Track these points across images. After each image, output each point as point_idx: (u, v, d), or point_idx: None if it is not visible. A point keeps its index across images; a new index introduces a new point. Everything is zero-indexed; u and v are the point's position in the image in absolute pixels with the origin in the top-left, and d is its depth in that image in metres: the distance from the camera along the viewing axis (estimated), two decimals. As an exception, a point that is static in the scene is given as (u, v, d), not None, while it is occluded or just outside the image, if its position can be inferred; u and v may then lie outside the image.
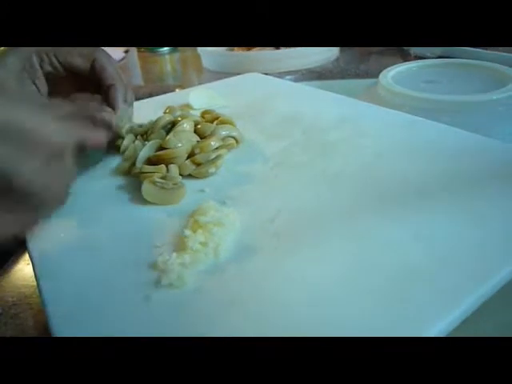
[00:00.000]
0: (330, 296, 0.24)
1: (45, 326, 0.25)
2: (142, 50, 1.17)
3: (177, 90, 0.73)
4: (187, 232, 0.29)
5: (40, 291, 0.27)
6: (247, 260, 0.28)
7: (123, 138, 0.41)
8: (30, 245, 0.31)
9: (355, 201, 0.32)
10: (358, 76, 0.80)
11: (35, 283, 0.28)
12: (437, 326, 0.21)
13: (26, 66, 0.38)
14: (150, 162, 0.38)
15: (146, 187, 0.34)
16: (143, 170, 0.37)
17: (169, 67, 1.09)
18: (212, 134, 0.41)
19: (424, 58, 0.73)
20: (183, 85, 0.83)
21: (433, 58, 0.77)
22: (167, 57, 1.13)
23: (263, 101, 0.54)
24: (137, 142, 0.41)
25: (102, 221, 0.33)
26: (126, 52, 1.15)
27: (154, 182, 0.34)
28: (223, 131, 0.42)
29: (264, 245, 0.29)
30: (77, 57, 0.40)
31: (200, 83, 0.71)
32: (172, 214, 0.33)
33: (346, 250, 0.27)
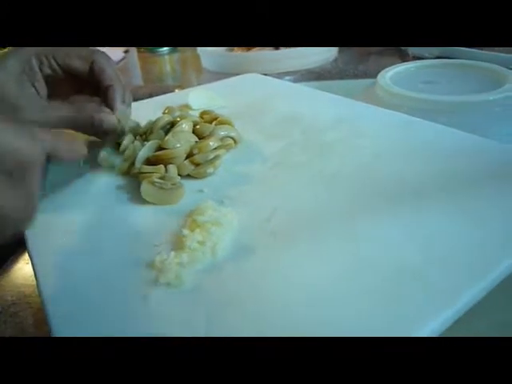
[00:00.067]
0: (327, 296, 0.24)
1: (44, 325, 0.26)
2: (142, 50, 1.17)
3: (176, 90, 0.73)
4: (185, 231, 0.29)
5: (39, 290, 0.27)
6: (245, 259, 0.28)
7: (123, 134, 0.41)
8: (30, 244, 0.32)
9: (352, 201, 0.32)
10: (356, 76, 0.80)
11: (35, 282, 0.28)
12: (429, 326, 0.22)
13: (25, 69, 0.38)
14: (149, 162, 0.38)
15: (145, 187, 0.35)
16: (142, 170, 0.37)
17: (168, 67, 1.09)
18: (211, 135, 0.41)
19: (422, 59, 0.73)
20: (183, 85, 0.83)
21: (431, 58, 0.77)
22: (167, 57, 1.13)
23: (262, 101, 0.54)
24: (136, 142, 0.41)
25: (101, 220, 0.34)
26: (126, 52, 1.16)
27: (153, 182, 0.35)
28: (222, 131, 0.42)
29: (261, 244, 0.29)
30: (76, 59, 0.40)
31: (199, 83, 0.71)
32: (170, 213, 0.33)
33: (343, 250, 0.28)
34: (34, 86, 0.39)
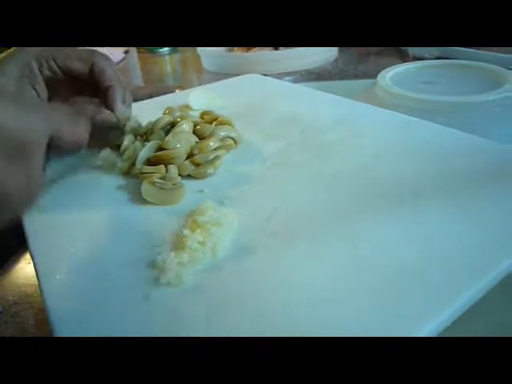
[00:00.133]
0: (327, 296, 0.24)
1: (45, 325, 0.26)
2: (142, 50, 1.17)
3: (177, 90, 0.73)
4: (186, 231, 0.29)
5: (41, 290, 0.27)
6: (245, 259, 0.28)
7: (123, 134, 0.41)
8: (31, 244, 0.32)
9: (352, 201, 0.33)
10: (356, 77, 0.80)
11: (36, 282, 0.28)
12: (429, 326, 0.22)
13: (25, 72, 0.38)
14: (150, 162, 0.38)
15: (146, 187, 0.35)
16: (143, 171, 0.37)
17: (169, 68, 1.09)
18: (211, 135, 0.41)
19: (422, 59, 0.73)
20: (183, 85, 0.83)
21: (431, 59, 0.77)
22: (167, 58, 1.13)
23: (262, 101, 0.54)
24: (137, 142, 0.41)
25: (101, 220, 0.34)
26: (126, 53, 1.16)
27: (154, 183, 0.35)
28: (222, 132, 0.42)
29: (261, 244, 0.29)
30: (76, 61, 0.40)
31: (200, 84, 0.71)
32: (171, 213, 0.33)
33: (343, 250, 0.28)
34: (34, 89, 0.39)
